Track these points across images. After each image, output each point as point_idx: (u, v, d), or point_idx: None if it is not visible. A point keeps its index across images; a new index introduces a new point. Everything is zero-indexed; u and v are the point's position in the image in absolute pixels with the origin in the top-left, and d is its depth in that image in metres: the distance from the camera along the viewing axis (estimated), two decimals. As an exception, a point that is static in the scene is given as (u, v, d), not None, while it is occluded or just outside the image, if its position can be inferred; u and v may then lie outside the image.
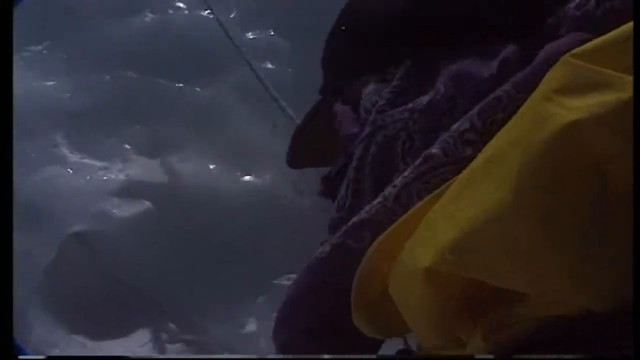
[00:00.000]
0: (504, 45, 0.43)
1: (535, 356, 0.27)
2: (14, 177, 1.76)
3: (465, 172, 0.33)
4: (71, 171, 1.80)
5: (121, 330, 1.50)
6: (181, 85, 1.98)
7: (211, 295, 1.52)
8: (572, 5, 0.44)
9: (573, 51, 0.30)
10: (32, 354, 1.30)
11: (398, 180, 0.42)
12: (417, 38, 0.49)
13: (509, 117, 0.34)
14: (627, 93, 0.27)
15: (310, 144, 0.73)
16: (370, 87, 0.51)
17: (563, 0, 0.45)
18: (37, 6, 2.30)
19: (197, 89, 1.96)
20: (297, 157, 0.76)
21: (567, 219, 0.27)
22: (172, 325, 1.48)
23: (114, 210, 1.66)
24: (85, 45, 2.10)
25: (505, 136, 0.31)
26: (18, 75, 2.07)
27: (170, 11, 2.17)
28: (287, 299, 0.47)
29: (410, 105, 0.45)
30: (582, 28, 0.40)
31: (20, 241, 1.69)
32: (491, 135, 0.35)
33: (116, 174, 1.75)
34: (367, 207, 0.42)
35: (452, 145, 0.39)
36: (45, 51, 2.12)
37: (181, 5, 2.19)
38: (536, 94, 0.31)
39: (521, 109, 0.32)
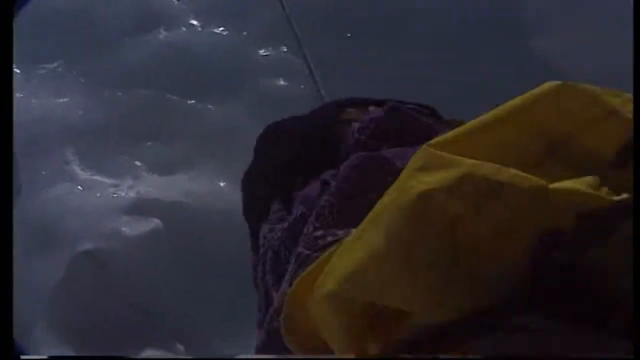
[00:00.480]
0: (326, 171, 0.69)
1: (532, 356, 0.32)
2: (25, 194, 1.75)
3: (356, 229, 0.43)
4: (81, 188, 1.79)
5: (130, 350, 1.46)
6: (193, 102, 1.97)
7: (220, 315, 1.48)
8: (354, 135, 0.74)
9: (429, 142, 0.41)
10: (33, 354, 1.27)
11: (286, 278, 0.61)
12: (280, 182, 0.76)
13: (337, 209, 0.59)
14: (464, 169, 0.37)
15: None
16: (264, 224, 0.74)
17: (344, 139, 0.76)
18: (52, 24, 2.32)
19: (210, 106, 1.95)
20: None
21: (423, 260, 0.36)
22: (180, 346, 1.45)
23: (124, 229, 1.64)
24: (99, 63, 2.11)
25: (381, 203, 0.41)
26: (32, 92, 2.09)
27: (184, 29, 2.18)
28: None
29: (285, 224, 0.67)
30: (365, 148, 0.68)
31: (30, 259, 1.68)
32: (329, 224, 0.59)
33: (126, 192, 1.73)
34: (276, 300, 0.60)
35: (310, 242, 0.59)
36: (59, 69, 2.13)
37: (195, 22, 2.20)
38: (403, 173, 0.41)
39: (394, 184, 0.42)
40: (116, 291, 1.63)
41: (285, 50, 1.97)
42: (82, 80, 2.08)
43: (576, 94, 0.42)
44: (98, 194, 1.73)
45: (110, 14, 2.26)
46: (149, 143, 1.89)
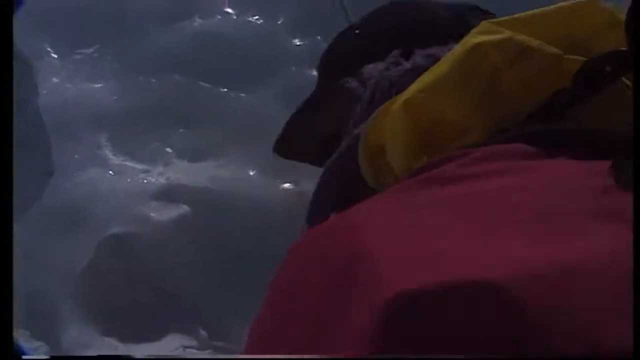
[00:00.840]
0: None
1: (530, 356, 0.31)
2: (57, 177, 1.77)
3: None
4: (112, 173, 1.80)
5: (153, 334, 1.46)
6: (225, 90, 1.96)
7: (245, 302, 1.46)
8: None
9: (488, 20, 0.56)
10: (34, 354, 1.28)
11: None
12: (404, 40, 0.80)
13: None
14: (507, 35, 0.54)
15: (300, 136, 0.96)
16: (370, 65, 0.79)
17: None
18: (87, 10, 2.35)
19: (242, 94, 1.94)
20: (285, 145, 0.99)
21: (474, 86, 0.53)
22: (203, 332, 1.44)
23: (152, 214, 1.64)
24: (133, 49, 2.12)
25: (450, 51, 0.58)
26: (68, 77, 2.11)
27: (219, 16, 2.17)
28: (318, 187, 0.70)
29: (400, 67, 0.73)
30: None
31: (60, 241, 1.69)
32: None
33: (156, 177, 1.73)
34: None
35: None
36: (95, 54, 2.15)
37: (230, 10, 2.19)
38: (466, 36, 0.57)
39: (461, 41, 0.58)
40: (142, 275, 1.63)
41: (319, 39, 1.95)
42: (117, 66, 2.09)
43: (600, 8, 0.58)
44: (128, 179, 1.74)
45: (144, 1, 2.27)
46: (181, 130, 1.89)
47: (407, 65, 0.74)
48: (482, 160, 0.45)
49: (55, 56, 2.15)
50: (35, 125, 2.52)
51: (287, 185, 1.63)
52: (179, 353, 1.32)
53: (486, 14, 0.85)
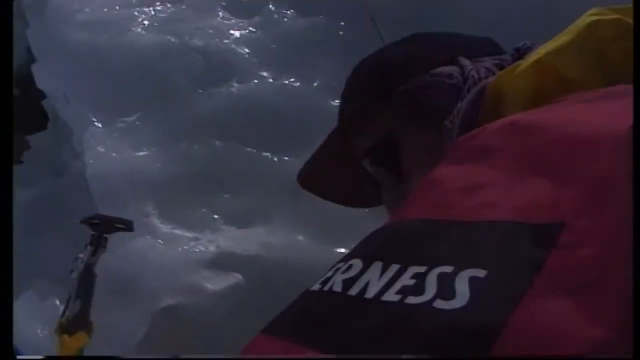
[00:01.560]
0: None
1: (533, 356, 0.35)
2: (108, 249, 1.79)
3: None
4: (162, 242, 1.82)
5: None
6: (268, 154, 2.00)
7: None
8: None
9: (600, 7, 0.68)
10: (30, 354, 1.26)
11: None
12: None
13: None
14: (616, 15, 0.66)
15: (326, 169, 0.92)
16: (446, 68, 0.80)
17: None
18: (126, 76, 2.42)
19: (285, 158, 1.97)
20: (309, 177, 0.94)
21: (592, 49, 0.65)
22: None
23: (205, 283, 1.65)
24: (174, 115, 2.17)
25: (570, 26, 0.68)
26: (113, 146, 2.16)
27: (255, 80, 2.23)
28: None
29: (485, 62, 0.79)
30: None
31: (114, 314, 1.70)
32: None
33: (206, 246, 1.75)
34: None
35: None
36: (137, 122, 2.20)
37: (265, 74, 2.24)
38: (582, 17, 0.68)
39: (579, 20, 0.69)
40: (197, 344, 1.63)
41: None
42: (159, 132, 2.14)
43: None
44: (179, 249, 1.76)
45: (183, 67, 2.34)
46: (226, 195, 1.91)
47: (490, 62, 0.80)
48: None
49: (99, 125, 2.21)
50: (78, 189, 2.57)
51: (340, 250, 1.64)
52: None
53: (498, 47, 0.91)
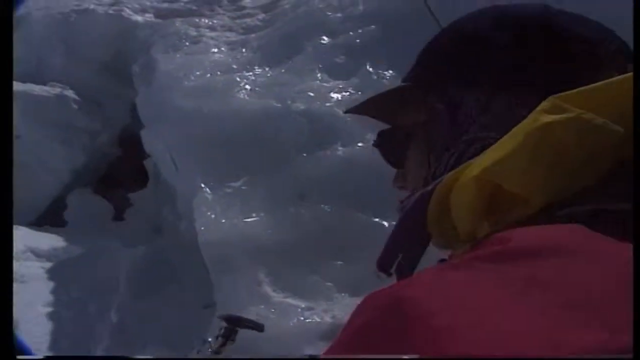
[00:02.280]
0: None
1: (532, 356, 0.37)
2: (220, 313, 1.79)
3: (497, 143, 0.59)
4: (275, 311, 1.80)
5: None
6: (377, 219, 1.96)
7: None
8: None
9: (555, 95, 0.57)
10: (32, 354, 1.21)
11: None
12: (517, 81, 0.71)
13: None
14: (574, 113, 0.55)
15: (377, 103, 0.86)
16: (469, 101, 0.70)
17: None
18: (234, 144, 2.48)
19: (394, 222, 1.92)
20: (360, 107, 0.86)
21: (539, 160, 0.55)
22: None
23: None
24: (280, 179, 2.19)
25: (516, 128, 0.58)
26: (222, 212, 2.20)
27: (360, 144, 2.22)
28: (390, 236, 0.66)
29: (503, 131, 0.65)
30: None
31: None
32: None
33: (321, 316, 1.72)
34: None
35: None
36: (244, 187, 2.24)
37: (369, 136, 2.23)
38: (532, 113, 0.57)
39: (525, 120, 0.57)
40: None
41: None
42: (266, 197, 2.16)
43: None
44: (294, 319, 1.73)
45: (287, 131, 2.37)
46: (338, 262, 1.88)
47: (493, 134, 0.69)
48: (543, 239, 0.49)
49: (208, 190, 2.26)
50: (183, 251, 2.63)
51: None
52: None
53: (626, 46, 0.76)
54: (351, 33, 2.75)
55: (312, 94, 2.51)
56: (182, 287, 2.42)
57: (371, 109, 0.94)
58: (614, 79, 0.63)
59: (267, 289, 1.88)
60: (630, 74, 0.62)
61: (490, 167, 0.58)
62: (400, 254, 0.70)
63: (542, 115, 0.59)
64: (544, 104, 0.60)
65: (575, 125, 0.57)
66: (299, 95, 2.52)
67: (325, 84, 2.59)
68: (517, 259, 0.46)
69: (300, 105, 2.45)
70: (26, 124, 3.71)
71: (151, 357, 1.41)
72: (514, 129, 0.60)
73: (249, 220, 2.10)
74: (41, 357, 1.33)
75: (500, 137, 0.69)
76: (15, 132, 3.84)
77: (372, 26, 2.63)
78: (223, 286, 1.97)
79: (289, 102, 2.48)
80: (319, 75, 2.66)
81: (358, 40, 2.67)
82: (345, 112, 0.95)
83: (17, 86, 3.94)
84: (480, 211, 0.58)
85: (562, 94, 0.60)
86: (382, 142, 0.83)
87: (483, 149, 0.68)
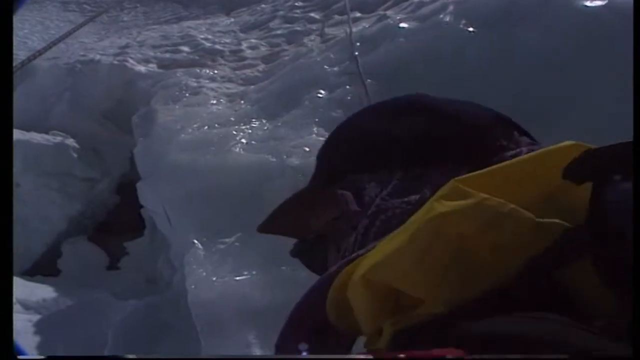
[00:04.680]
0: (463, 167, 0.66)
1: (532, 356, 0.39)
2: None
3: (390, 235, 0.56)
4: (264, 376, 1.73)
5: None
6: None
7: None
8: (508, 154, 0.68)
9: (457, 178, 0.54)
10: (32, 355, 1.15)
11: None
12: (411, 157, 0.72)
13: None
14: (476, 200, 0.51)
15: (286, 217, 0.88)
16: (372, 184, 0.71)
17: (505, 148, 0.69)
18: (229, 199, 2.46)
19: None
20: (270, 224, 0.90)
21: (433, 260, 0.50)
22: None
23: None
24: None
25: (411, 218, 0.55)
26: (213, 270, 2.15)
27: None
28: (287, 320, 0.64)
29: (405, 199, 0.66)
30: None
31: None
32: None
33: (311, 383, 1.64)
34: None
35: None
36: (237, 243, 2.20)
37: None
38: (432, 198, 0.54)
39: (424, 205, 0.54)
40: None
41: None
42: (260, 255, 2.12)
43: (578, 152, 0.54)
44: (283, 386, 1.66)
45: (282, 187, 2.35)
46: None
47: (412, 198, 0.66)
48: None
49: (200, 246, 2.22)
50: (175, 307, 2.57)
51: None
52: None
53: (518, 129, 0.75)
54: (347, 87, 2.76)
55: (307, 149, 2.49)
56: (171, 346, 2.35)
57: (283, 224, 0.93)
58: (536, 153, 0.57)
59: (256, 351, 1.82)
60: (555, 146, 0.57)
61: (376, 266, 0.53)
62: (295, 337, 0.65)
63: (438, 204, 0.52)
64: (444, 189, 0.53)
65: (477, 214, 0.50)
66: (295, 149, 2.51)
67: (320, 138, 2.58)
68: None
69: (295, 160, 2.43)
70: (25, 173, 3.72)
71: (151, 357, 1.37)
72: (410, 219, 0.55)
73: (240, 278, 2.05)
74: (42, 357, 1.29)
75: (406, 204, 0.66)
76: (15, 181, 3.86)
77: (369, 80, 2.64)
78: (211, 347, 1.91)
79: (285, 157, 2.47)
80: (315, 129, 2.66)
81: (353, 94, 2.67)
82: (259, 231, 0.95)
83: (19, 135, 3.97)
84: (377, 311, 0.52)
85: (468, 175, 0.55)
86: (300, 252, 0.84)
87: (388, 220, 0.66)
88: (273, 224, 0.93)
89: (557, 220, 0.51)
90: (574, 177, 0.53)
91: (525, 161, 0.57)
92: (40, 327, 2.79)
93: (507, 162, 0.57)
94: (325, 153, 0.85)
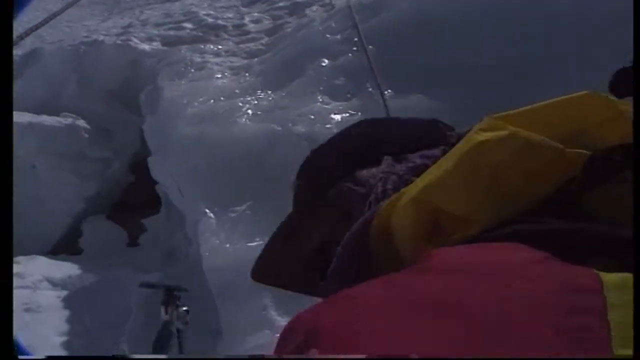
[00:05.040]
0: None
1: (533, 356, 0.39)
2: (226, 341, 1.80)
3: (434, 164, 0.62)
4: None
5: None
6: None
7: None
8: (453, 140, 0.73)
9: (493, 115, 0.59)
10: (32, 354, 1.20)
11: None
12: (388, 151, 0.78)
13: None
14: (510, 132, 0.56)
15: (282, 261, 0.90)
16: (364, 173, 0.77)
17: (451, 136, 0.76)
18: (238, 168, 2.51)
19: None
20: (265, 271, 0.92)
21: (476, 181, 0.56)
22: None
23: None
24: (285, 204, 2.20)
25: (454, 148, 0.60)
26: (226, 238, 2.22)
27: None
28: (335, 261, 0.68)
29: (405, 164, 0.73)
30: None
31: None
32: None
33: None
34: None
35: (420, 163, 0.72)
36: (248, 211, 2.27)
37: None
38: (471, 131, 0.59)
39: (464, 137, 0.59)
40: None
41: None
42: (270, 221, 2.17)
43: (600, 100, 0.60)
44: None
45: (289, 154, 2.39)
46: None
47: (413, 161, 0.74)
48: (457, 260, 0.50)
49: (212, 216, 2.29)
50: (193, 276, 2.66)
51: None
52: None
53: (447, 127, 0.83)
54: (350, 55, 2.78)
55: (312, 117, 2.53)
56: (191, 314, 2.44)
57: (278, 272, 0.98)
58: (554, 100, 0.63)
59: (272, 314, 1.89)
60: (573, 95, 0.64)
61: (426, 188, 0.58)
62: (339, 279, 0.70)
63: (477, 134, 0.58)
64: (481, 123, 0.60)
65: (511, 143, 0.56)
66: (300, 118, 2.55)
67: (326, 106, 2.62)
68: (430, 277, 0.49)
69: (301, 128, 2.48)
70: (40, 155, 3.80)
71: (151, 357, 1.44)
72: (452, 150, 0.62)
73: (253, 244, 2.11)
74: (41, 357, 1.33)
75: (409, 168, 0.73)
76: (31, 163, 3.95)
77: (370, 47, 2.65)
78: (228, 312, 1.99)
79: (290, 125, 2.51)
80: (319, 97, 2.69)
81: (357, 62, 2.69)
82: (254, 279, 1.00)
83: (31, 118, 4.04)
84: (422, 234, 0.58)
85: (501, 113, 0.62)
86: (312, 267, 0.82)
87: (400, 178, 0.71)
88: (267, 273, 0.98)
89: (583, 151, 0.57)
90: (617, 92, 0.64)
91: (548, 105, 0.63)
92: (67, 302, 2.91)
93: (533, 106, 0.63)
94: (305, 174, 0.92)
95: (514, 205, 0.56)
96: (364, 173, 0.78)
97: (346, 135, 0.91)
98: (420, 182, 0.61)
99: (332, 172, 0.84)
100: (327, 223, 0.82)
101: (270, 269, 0.93)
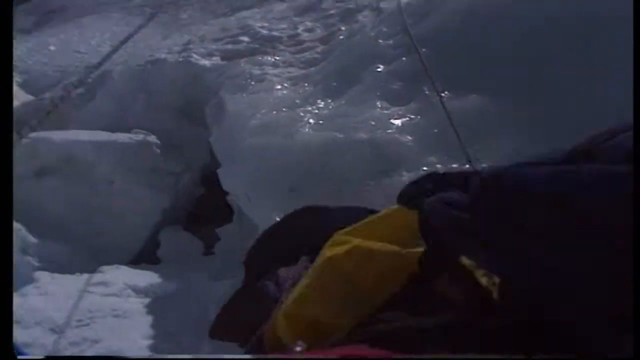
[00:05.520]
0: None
1: (536, 356, 0.48)
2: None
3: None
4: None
5: None
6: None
7: None
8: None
9: (340, 230, 0.77)
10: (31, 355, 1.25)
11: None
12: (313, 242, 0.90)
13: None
14: (353, 244, 0.70)
15: (232, 321, 1.18)
16: (283, 269, 0.96)
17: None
18: (302, 176, 2.62)
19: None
20: (219, 329, 1.22)
21: (331, 292, 0.67)
22: None
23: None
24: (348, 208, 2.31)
25: (313, 264, 0.74)
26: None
27: (425, 167, 2.30)
28: None
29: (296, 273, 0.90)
30: None
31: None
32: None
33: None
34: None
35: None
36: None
37: (432, 159, 2.31)
38: (324, 247, 0.75)
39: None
40: None
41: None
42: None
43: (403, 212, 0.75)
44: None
45: (352, 160, 2.49)
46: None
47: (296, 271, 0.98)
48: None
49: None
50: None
51: None
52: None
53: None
54: (403, 59, 2.85)
55: (373, 123, 2.62)
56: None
57: (233, 326, 1.23)
58: (385, 211, 0.79)
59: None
60: (393, 208, 0.80)
61: (293, 302, 0.71)
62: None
63: (328, 250, 0.72)
64: (332, 239, 0.74)
65: (355, 253, 0.68)
66: (361, 125, 2.63)
67: (385, 112, 2.69)
68: None
69: (363, 135, 2.56)
70: (116, 172, 4.06)
71: (151, 357, 1.55)
72: (312, 265, 0.77)
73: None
74: (41, 357, 1.43)
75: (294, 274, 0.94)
76: (109, 179, 4.21)
77: (424, 49, 2.71)
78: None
79: (352, 132, 2.60)
80: (378, 103, 2.77)
81: (411, 65, 2.76)
82: (210, 336, 1.27)
83: (106, 136, 4.32)
84: (299, 340, 0.65)
85: (346, 229, 0.76)
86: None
87: (286, 282, 0.95)
88: (224, 327, 1.27)
89: (420, 249, 0.70)
90: (403, 203, 0.79)
91: (378, 218, 0.79)
92: (151, 308, 3.11)
93: (372, 218, 0.80)
94: (251, 262, 1.28)
95: (370, 305, 0.67)
96: (283, 272, 1.02)
97: (280, 229, 1.26)
98: (290, 297, 0.73)
99: (262, 266, 1.13)
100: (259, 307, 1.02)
101: (226, 329, 1.20)
